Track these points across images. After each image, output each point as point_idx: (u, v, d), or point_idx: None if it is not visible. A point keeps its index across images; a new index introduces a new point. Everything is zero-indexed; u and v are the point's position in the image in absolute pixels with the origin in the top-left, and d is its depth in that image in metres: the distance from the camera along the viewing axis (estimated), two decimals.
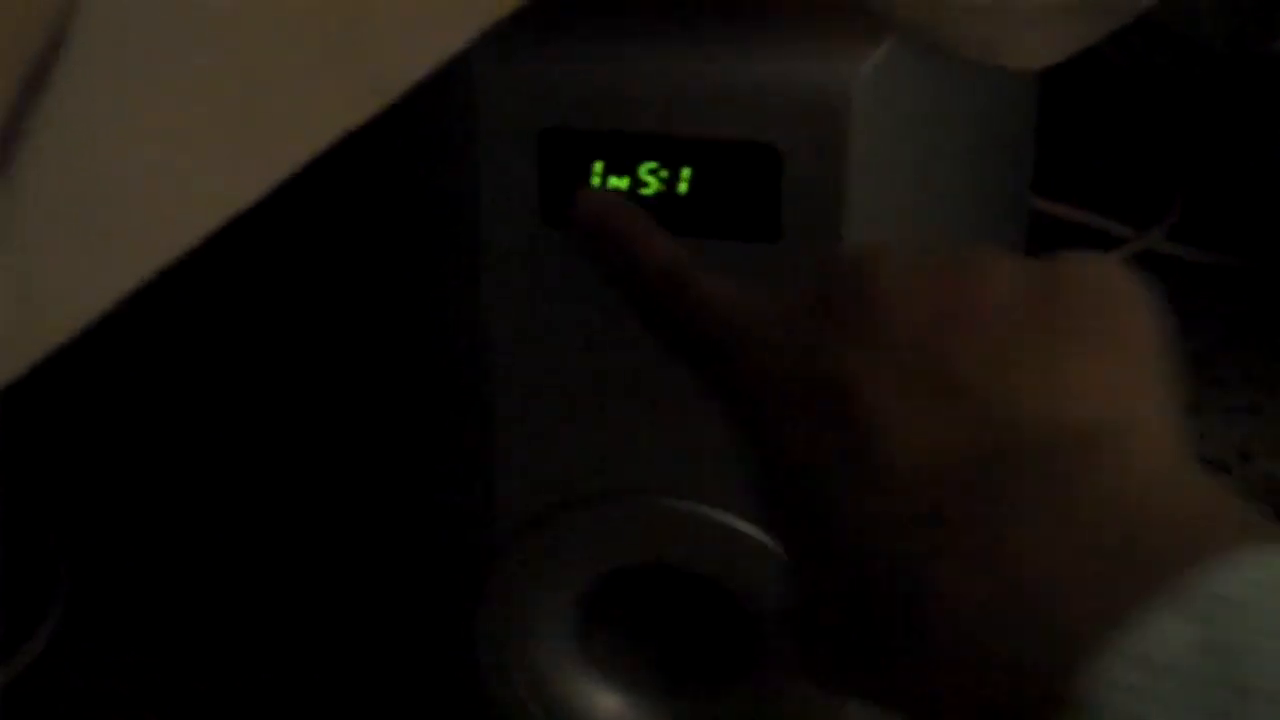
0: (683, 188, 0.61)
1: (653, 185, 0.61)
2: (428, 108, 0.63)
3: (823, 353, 0.45)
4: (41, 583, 0.98)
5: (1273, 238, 1.15)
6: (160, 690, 0.95)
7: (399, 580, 0.87)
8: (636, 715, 0.74)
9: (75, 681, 0.94)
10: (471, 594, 0.72)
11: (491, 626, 0.72)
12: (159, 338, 1.08)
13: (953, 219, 0.69)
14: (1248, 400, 1.05)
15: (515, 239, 0.63)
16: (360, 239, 0.81)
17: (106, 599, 0.99)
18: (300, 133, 0.33)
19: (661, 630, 0.74)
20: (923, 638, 0.41)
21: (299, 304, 1.08)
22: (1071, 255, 0.47)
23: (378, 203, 0.71)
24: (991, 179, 0.74)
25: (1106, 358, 0.44)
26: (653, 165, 0.61)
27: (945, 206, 0.68)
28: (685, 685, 0.74)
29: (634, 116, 0.60)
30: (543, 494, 0.68)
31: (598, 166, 0.61)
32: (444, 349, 0.69)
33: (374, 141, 0.66)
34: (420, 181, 0.67)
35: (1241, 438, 1.05)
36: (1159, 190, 1.18)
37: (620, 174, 0.61)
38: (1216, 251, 1.15)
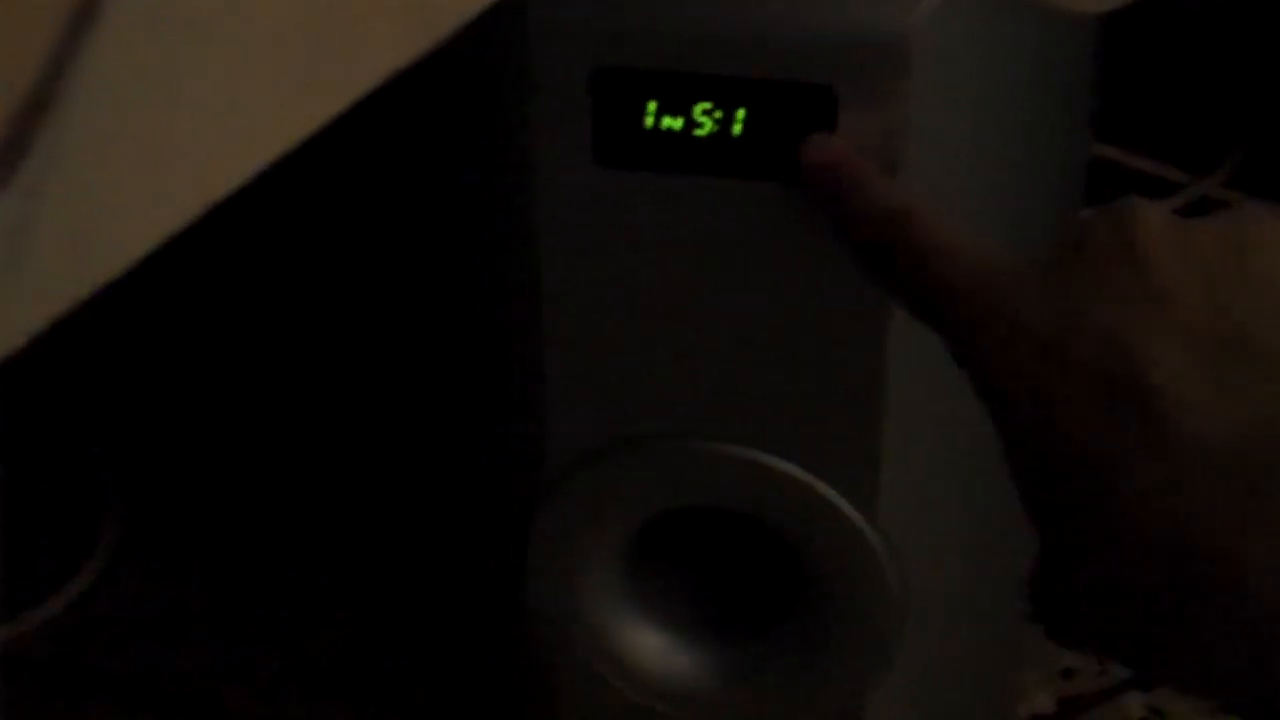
0: (737, 129, 0.60)
1: (707, 126, 0.61)
2: (481, 48, 0.62)
3: (1097, 314, 0.42)
4: (92, 515, 0.99)
5: None
6: (210, 622, 0.95)
7: (450, 518, 0.87)
8: (683, 654, 0.74)
9: (123, 611, 0.95)
10: (521, 534, 0.72)
11: (540, 566, 0.72)
12: (216, 277, 1.08)
13: (1010, 164, 0.68)
14: None
15: (569, 179, 0.63)
16: (416, 180, 0.81)
17: (157, 532, 1.00)
18: (354, 69, 0.33)
19: (709, 571, 0.74)
20: (1235, 615, 0.39)
21: (356, 242, 1.08)
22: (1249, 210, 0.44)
23: (433, 144, 0.71)
24: (1051, 125, 0.73)
25: None
26: (707, 106, 0.60)
27: (1003, 152, 0.67)
28: (732, 625, 0.74)
29: (689, 56, 0.60)
30: (593, 435, 0.68)
31: (651, 106, 0.61)
32: (498, 288, 0.69)
33: (429, 84, 0.66)
34: (474, 122, 0.66)
35: None
36: (1217, 137, 1.17)
37: (674, 114, 0.61)
38: (1273, 199, 1.14)
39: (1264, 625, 0.39)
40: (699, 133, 0.61)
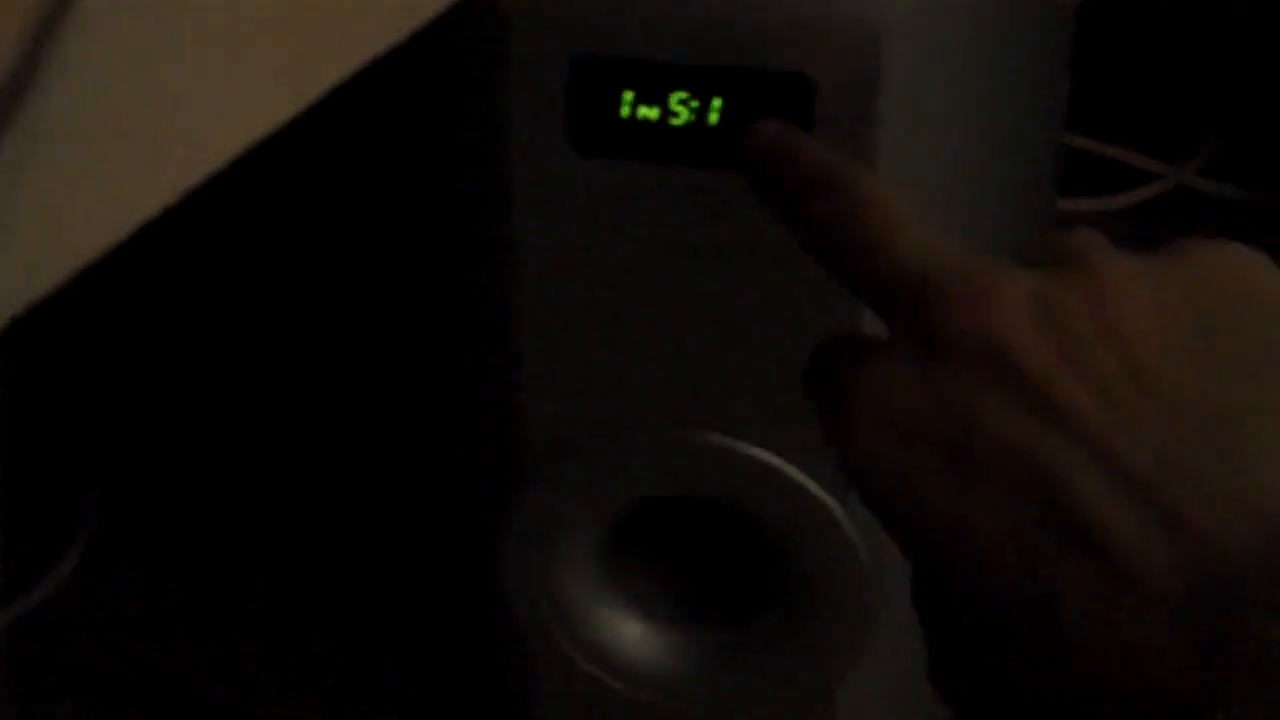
0: (713, 118, 0.61)
1: (683, 115, 0.61)
2: (460, 36, 0.62)
3: (990, 424, 0.39)
4: (69, 508, 0.98)
5: None
6: (187, 616, 0.95)
7: (428, 507, 0.87)
8: (660, 643, 0.74)
9: (100, 605, 0.95)
10: (499, 522, 0.72)
11: (518, 554, 0.72)
12: (193, 271, 1.08)
13: (985, 152, 0.68)
14: None
15: (546, 167, 0.63)
16: (392, 169, 0.81)
17: (134, 526, 0.99)
18: (333, 54, 0.33)
19: (686, 560, 0.74)
20: None
21: (333, 231, 1.08)
22: (1207, 252, 0.40)
23: (409, 133, 0.71)
24: (1025, 113, 0.74)
25: None
26: (683, 95, 0.60)
27: (978, 140, 0.67)
28: (709, 614, 0.74)
29: (665, 45, 0.60)
30: (570, 424, 0.68)
31: (628, 95, 0.61)
32: (473, 278, 0.69)
33: (406, 70, 0.66)
34: (451, 111, 0.67)
35: None
36: (1193, 125, 1.17)
37: (650, 103, 0.61)
38: (1249, 188, 1.14)
39: None
40: (675, 122, 0.61)
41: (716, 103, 0.60)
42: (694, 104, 0.61)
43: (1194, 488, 0.37)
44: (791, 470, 0.67)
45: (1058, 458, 0.38)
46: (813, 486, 0.67)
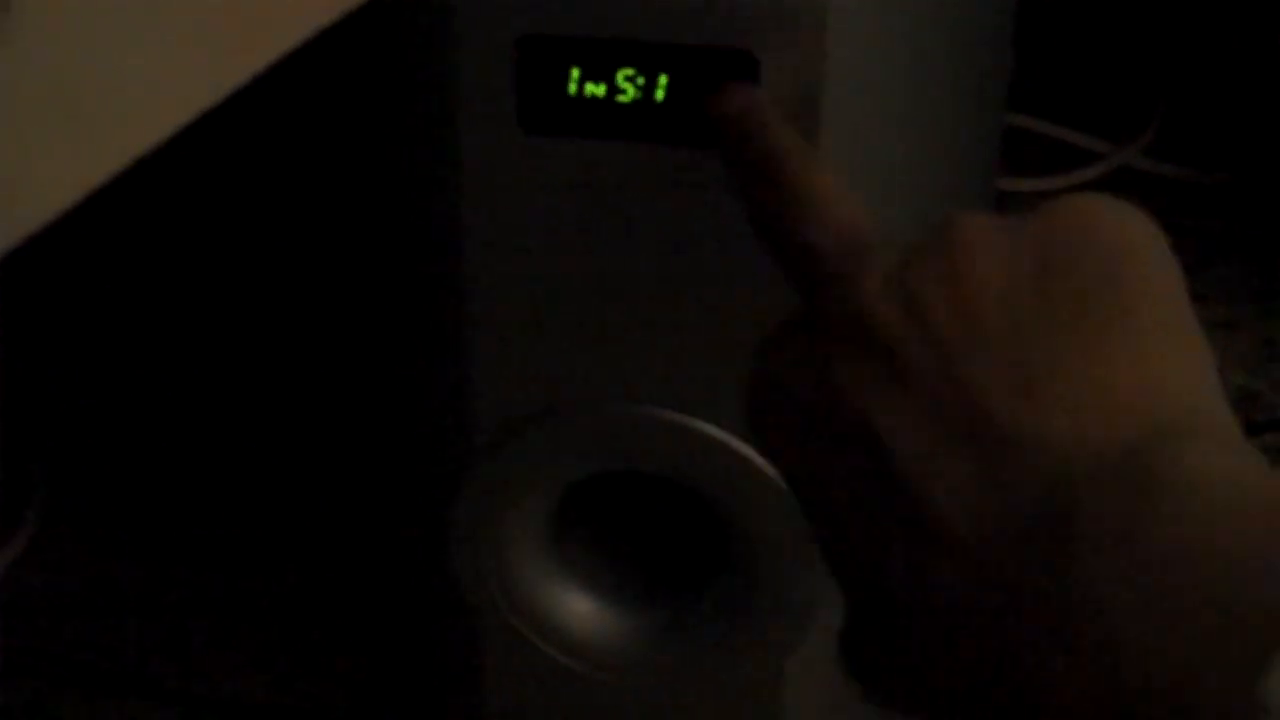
0: (660, 95, 0.61)
1: (630, 92, 0.61)
2: (405, 15, 0.62)
3: (840, 381, 0.41)
4: (17, 488, 0.98)
5: (1251, 154, 1.16)
6: (136, 595, 0.95)
7: (375, 487, 0.87)
8: (609, 620, 0.74)
9: (49, 585, 0.95)
10: (447, 501, 0.72)
11: (466, 533, 0.72)
12: (138, 248, 1.08)
13: (929, 131, 0.69)
14: (1224, 316, 1.06)
15: (493, 146, 0.63)
16: (337, 147, 0.81)
17: (82, 505, 0.99)
18: (278, 25, 0.33)
19: (634, 536, 0.74)
20: (1017, 710, 0.37)
21: (275, 209, 1.08)
22: (1064, 202, 0.41)
23: (354, 110, 0.71)
24: (969, 91, 0.74)
25: (1135, 341, 0.39)
26: (630, 72, 0.61)
27: (922, 118, 0.68)
28: (657, 590, 0.74)
29: (611, 22, 0.60)
30: (518, 402, 0.69)
31: (575, 73, 0.61)
32: (421, 256, 0.69)
33: (351, 48, 0.66)
34: (398, 89, 0.67)
35: (1218, 353, 1.06)
36: (1137, 105, 1.18)
37: (597, 80, 0.61)
38: (1193, 167, 1.15)
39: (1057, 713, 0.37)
40: (622, 99, 0.61)
41: (663, 79, 0.61)
42: (641, 81, 0.61)
43: (999, 439, 0.38)
44: (738, 445, 0.67)
45: (890, 421, 0.40)
46: (759, 461, 0.68)
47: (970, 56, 0.73)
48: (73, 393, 1.04)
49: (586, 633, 0.74)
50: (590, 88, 0.61)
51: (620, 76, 0.61)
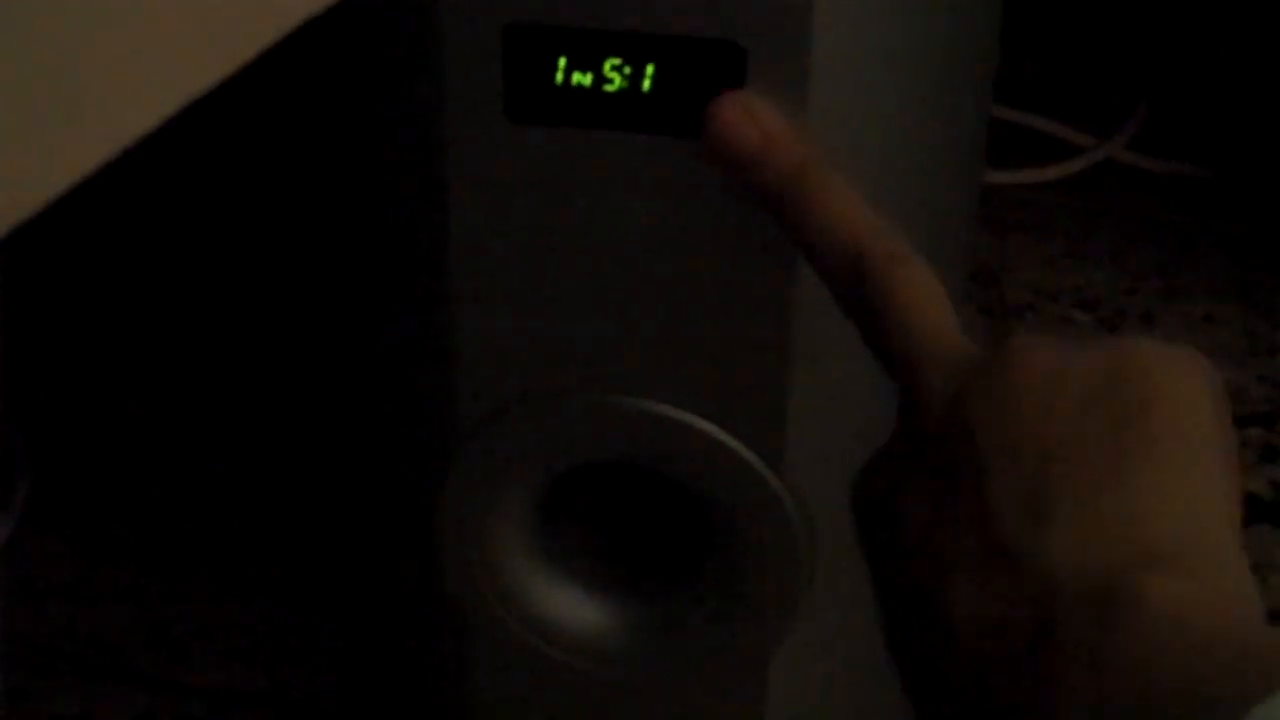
0: (646, 85, 0.61)
1: (617, 82, 0.61)
2: (392, 3, 0.62)
3: (895, 489, 0.46)
4: (2, 477, 0.98)
5: (1234, 149, 1.16)
6: (121, 585, 0.95)
7: (360, 476, 0.87)
8: (595, 611, 0.74)
9: (32, 573, 0.95)
10: (431, 490, 0.72)
11: (451, 522, 0.72)
12: (121, 233, 1.08)
13: (914, 122, 0.69)
14: (1204, 310, 1.06)
15: (479, 135, 0.63)
16: (323, 137, 0.81)
17: (67, 495, 0.99)
18: (264, 14, 0.33)
19: (619, 526, 0.74)
20: None
21: (263, 199, 1.08)
22: (1116, 342, 0.44)
23: (342, 100, 0.71)
24: (954, 83, 0.74)
25: (1149, 473, 0.41)
26: (616, 62, 0.61)
27: (908, 110, 0.68)
28: (641, 580, 0.74)
29: (598, 12, 0.60)
30: (503, 391, 0.69)
31: (561, 63, 0.61)
32: (407, 245, 0.69)
33: (338, 38, 0.66)
34: (384, 78, 0.67)
35: (1198, 346, 1.06)
36: (1120, 99, 1.18)
37: (584, 70, 0.61)
38: (1178, 161, 1.15)
39: None
40: (609, 88, 0.61)
41: (650, 69, 0.61)
42: (627, 70, 0.61)
43: (1002, 552, 0.42)
44: (726, 437, 0.68)
45: (933, 534, 0.44)
46: (747, 453, 0.68)
47: (957, 48, 0.73)
48: (57, 383, 1.04)
49: (572, 624, 0.74)
50: (577, 77, 0.61)
51: (607, 66, 0.61)
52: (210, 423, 1.01)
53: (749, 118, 0.59)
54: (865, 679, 0.82)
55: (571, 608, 0.74)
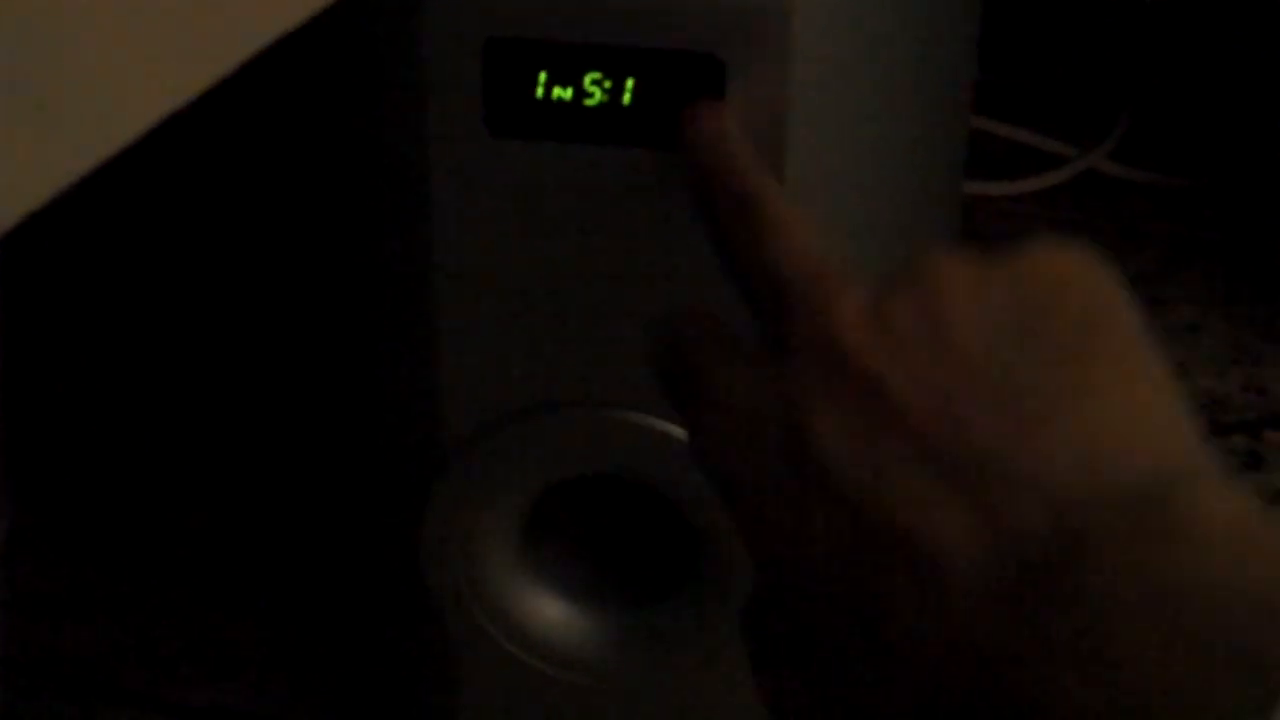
0: (627, 99, 0.61)
1: (597, 96, 0.61)
2: (372, 16, 0.63)
3: (801, 421, 0.40)
4: None
5: (1216, 158, 1.16)
6: (108, 602, 0.95)
7: (345, 493, 0.87)
8: (580, 624, 0.74)
9: (19, 590, 0.95)
10: (417, 506, 0.72)
11: (437, 538, 0.72)
12: (105, 251, 1.08)
13: (894, 134, 0.69)
14: (1188, 319, 1.07)
15: (460, 149, 0.63)
16: (303, 149, 0.81)
17: (53, 512, 0.99)
18: (245, 26, 0.33)
19: (605, 541, 0.75)
20: None
21: (244, 212, 1.08)
22: (1029, 250, 0.42)
23: (321, 113, 0.71)
24: (934, 95, 0.74)
25: (1121, 388, 0.40)
26: (597, 75, 0.61)
27: (887, 122, 0.68)
28: (628, 595, 0.74)
29: (578, 26, 0.60)
30: (487, 406, 0.69)
31: (542, 76, 0.61)
32: (388, 258, 0.69)
33: (318, 50, 0.66)
34: (364, 91, 0.67)
35: (1184, 356, 1.06)
36: (1102, 109, 1.19)
37: (564, 84, 0.61)
38: (1159, 172, 1.16)
39: None
40: (589, 102, 0.61)
41: (630, 83, 0.61)
42: (608, 84, 0.61)
43: (999, 476, 0.38)
44: None
45: (878, 461, 0.39)
46: None
47: (936, 60, 0.73)
48: (44, 396, 1.04)
49: (558, 637, 0.74)
50: (557, 91, 0.62)
51: (587, 80, 0.61)
52: (198, 441, 1.01)
53: (721, 129, 0.57)
54: None
55: (558, 620, 0.74)
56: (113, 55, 0.31)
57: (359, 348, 0.75)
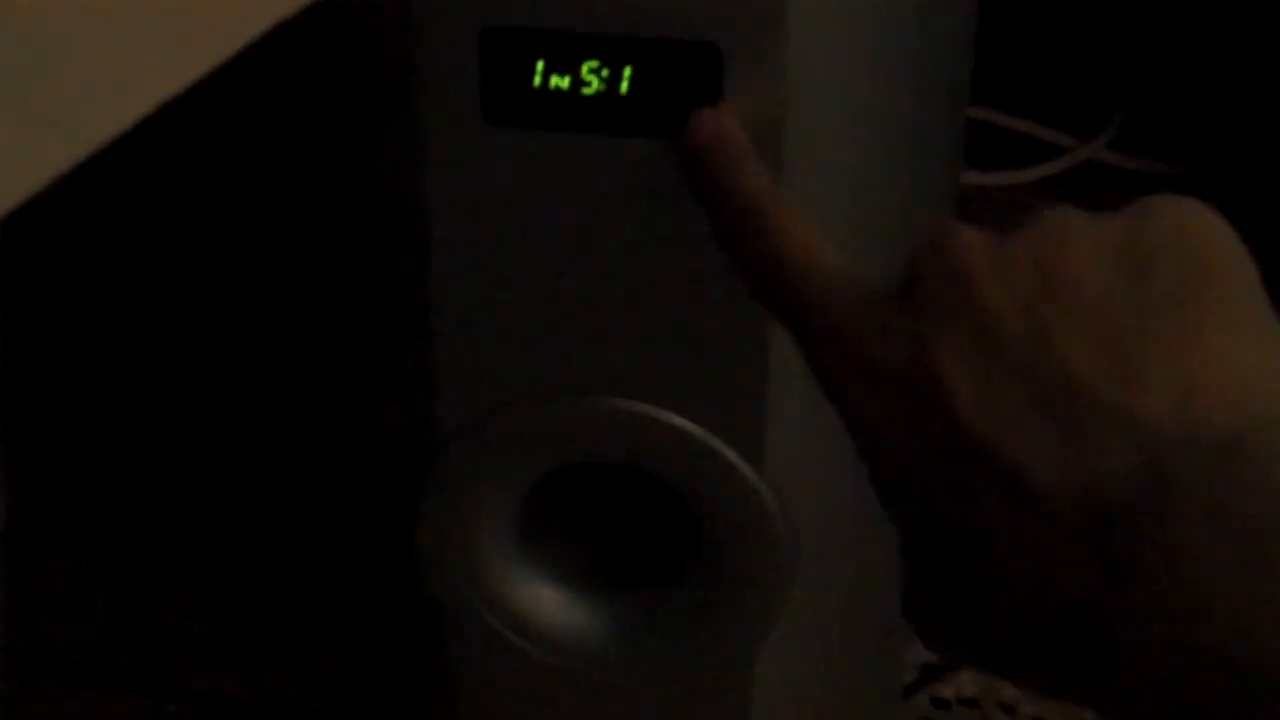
0: (624, 87, 0.61)
1: (594, 84, 0.61)
2: (370, 6, 0.63)
3: (933, 354, 0.42)
4: None
5: (1215, 147, 1.16)
6: (107, 593, 0.95)
7: (344, 480, 0.87)
8: (578, 611, 0.74)
9: (19, 583, 0.95)
10: (415, 494, 0.72)
11: (434, 526, 0.72)
12: (99, 250, 1.08)
13: (892, 124, 0.69)
14: None
15: (457, 138, 0.63)
16: (301, 140, 0.81)
17: (51, 504, 0.99)
18: (236, 17, 0.33)
19: (602, 526, 0.75)
20: (1110, 671, 0.39)
21: (237, 204, 1.08)
22: (1151, 202, 0.44)
23: (319, 103, 0.71)
24: (932, 84, 0.74)
25: (1225, 336, 0.41)
26: (594, 64, 0.61)
27: (886, 109, 0.68)
28: (627, 580, 0.74)
29: (575, 15, 0.60)
30: (484, 394, 0.69)
31: (539, 65, 0.61)
32: (386, 248, 0.69)
33: (315, 41, 0.66)
34: (362, 81, 0.67)
35: None
36: (1101, 99, 1.19)
37: (562, 73, 0.61)
38: (1159, 161, 1.16)
39: (1132, 689, 0.39)
40: (586, 91, 0.61)
41: (627, 72, 0.61)
42: (605, 73, 0.61)
43: (1094, 410, 0.40)
44: (707, 436, 0.68)
45: (984, 384, 0.41)
46: (728, 453, 0.68)
47: (933, 49, 0.73)
48: (41, 395, 1.04)
49: (556, 625, 0.75)
50: (555, 80, 0.62)
51: (585, 69, 0.61)
52: (194, 434, 1.02)
53: (712, 116, 0.59)
54: (849, 677, 0.82)
55: (555, 608, 0.75)
56: (100, 46, 0.31)
57: (356, 337, 0.75)
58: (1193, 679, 0.37)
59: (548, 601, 0.74)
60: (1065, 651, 0.40)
